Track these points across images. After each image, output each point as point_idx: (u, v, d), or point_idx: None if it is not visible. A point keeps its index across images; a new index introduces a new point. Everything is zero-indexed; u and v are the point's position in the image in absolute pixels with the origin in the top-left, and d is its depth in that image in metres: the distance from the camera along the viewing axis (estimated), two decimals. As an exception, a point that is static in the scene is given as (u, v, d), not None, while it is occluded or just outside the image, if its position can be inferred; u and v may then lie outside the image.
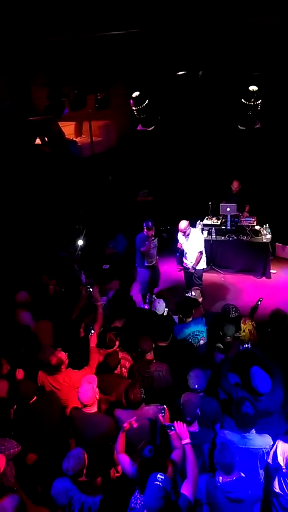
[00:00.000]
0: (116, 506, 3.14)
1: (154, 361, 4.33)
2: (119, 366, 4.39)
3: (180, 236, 7.22)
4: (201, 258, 7.18)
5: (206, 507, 3.14)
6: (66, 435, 3.94)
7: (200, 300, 6.25)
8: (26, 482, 3.80)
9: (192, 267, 7.17)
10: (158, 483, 2.69)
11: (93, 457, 3.37)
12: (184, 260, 7.39)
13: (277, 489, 3.20)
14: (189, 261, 7.24)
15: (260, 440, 3.43)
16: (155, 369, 4.25)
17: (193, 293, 5.76)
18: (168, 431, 3.33)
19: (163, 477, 2.73)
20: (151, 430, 3.65)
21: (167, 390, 4.19)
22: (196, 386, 3.77)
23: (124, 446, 3.43)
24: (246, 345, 4.35)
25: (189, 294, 5.64)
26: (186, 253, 7.26)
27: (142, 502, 2.92)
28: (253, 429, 3.45)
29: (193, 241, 7.10)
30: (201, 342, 5.03)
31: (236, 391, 3.83)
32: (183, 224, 6.99)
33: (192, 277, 7.29)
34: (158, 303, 5.57)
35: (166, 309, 5.96)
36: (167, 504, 2.66)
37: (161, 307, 5.55)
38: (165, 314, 5.78)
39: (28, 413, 3.84)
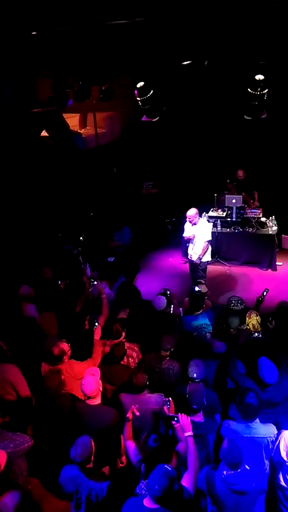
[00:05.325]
0: (123, 494, 3.14)
1: (168, 358, 4.35)
2: (125, 356, 4.41)
3: (187, 225, 7.15)
4: (208, 248, 7.11)
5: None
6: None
7: (208, 292, 6.20)
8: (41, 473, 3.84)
9: (198, 257, 7.07)
10: (165, 467, 2.71)
11: (98, 449, 3.37)
12: (189, 252, 7.32)
13: (282, 483, 3.20)
14: (195, 252, 7.17)
15: (264, 429, 3.44)
16: (167, 365, 4.28)
17: (200, 288, 5.74)
18: (173, 422, 3.34)
19: (170, 469, 2.75)
20: (155, 420, 3.67)
21: (174, 387, 4.20)
22: (195, 375, 3.80)
23: (131, 433, 3.45)
24: (256, 334, 4.33)
25: (197, 289, 5.61)
26: (192, 243, 7.19)
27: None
28: (257, 419, 3.46)
29: (200, 231, 7.02)
30: (208, 335, 5.01)
31: (244, 380, 3.84)
32: (192, 211, 6.90)
33: (196, 269, 7.24)
34: (159, 299, 5.53)
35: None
36: (172, 485, 2.66)
37: (161, 304, 5.50)
38: (171, 311, 5.71)
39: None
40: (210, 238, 7.14)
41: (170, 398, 3.53)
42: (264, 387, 3.70)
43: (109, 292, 6.04)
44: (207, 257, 7.27)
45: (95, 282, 5.30)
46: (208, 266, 7.48)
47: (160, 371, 4.26)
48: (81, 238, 7.71)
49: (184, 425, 3.28)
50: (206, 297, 5.74)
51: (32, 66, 9.37)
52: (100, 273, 6.72)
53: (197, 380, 3.79)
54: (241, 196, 8.52)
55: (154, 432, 3.25)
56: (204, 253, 7.10)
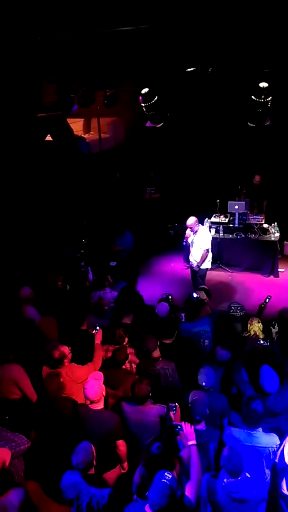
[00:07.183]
0: (124, 501, 3.12)
1: (161, 359, 4.32)
2: (127, 361, 4.40)
3: (188, 232, 7.18)
4: (207, 256, 7.12)
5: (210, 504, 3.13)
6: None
7: (205, 299, 6.18)
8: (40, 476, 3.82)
9: (197, 265, 7.12)
10: (165, 481, 2.69)
11: (99, 453, 3.36)
12: (190, 258, 7.36)
13: (285, 491, 3.15)
14: (194, 259, 7.21)
15: (266, 439, 3.41)
16: (161, 367, 4.24)
17: (199, 295, 5.73)
18: (176, 430, 3.32)
19: (170, 476, 2.73)
20: (160, 426, 3.65)
21: (174, 389, 4.16)
22: (204, 383, 3.78)
23: None
24: (263, 342, 4.30)
25: (194, 295, 5.60)
26: (191, 250, 7.21)
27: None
28: (260, 427, 3.43)
29: (199, 239, 7.06)
30: (206, 342, 4.98)
31: (245, 387, 3.83)
32: (191, 220, 6.95)
33: (196, 276, 7.25)
34: (162, 305, 5.51)
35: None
36: (171, 503, 2.66)
37: (163, 310, 5.48)
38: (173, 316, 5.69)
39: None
40: (208, 247, 7.13)
41: (176, 404, 3.50)
42: (265, 396, 3.67)
43: (115, 294, 6.04)
44: (207, 265, 7.29)
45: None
46: (210, 272, 7.51)
47: (156, 374, 4.21)
48: (83, 240, 7.71)
49: (188, 433, 3.25)
50: (205, 304, 5.71)
51: (37, 71, 9.43)
52: (101, 279, 6.67)
53: (205, 388, 3.76)
54: (244, 202, 8.54)
55: (158, 439, 3.23)
56: (203, 261, 7.12)
